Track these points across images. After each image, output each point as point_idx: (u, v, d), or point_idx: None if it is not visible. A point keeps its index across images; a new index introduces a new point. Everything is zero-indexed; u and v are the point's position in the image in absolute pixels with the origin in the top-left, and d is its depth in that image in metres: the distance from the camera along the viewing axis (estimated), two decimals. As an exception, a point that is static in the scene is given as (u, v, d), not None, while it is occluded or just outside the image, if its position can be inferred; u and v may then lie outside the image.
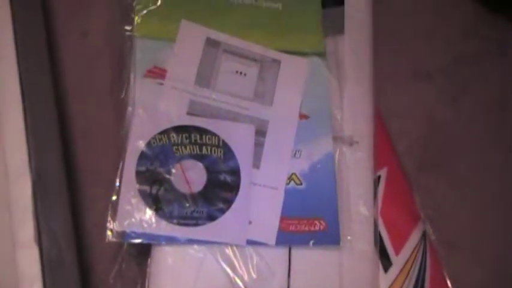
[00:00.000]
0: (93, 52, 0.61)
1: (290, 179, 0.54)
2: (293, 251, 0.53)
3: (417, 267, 0.56)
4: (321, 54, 0.58)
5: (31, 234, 0.47)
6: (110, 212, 0.51)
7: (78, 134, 0.59)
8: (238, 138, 0.54)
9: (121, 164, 0.52)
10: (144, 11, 0.56)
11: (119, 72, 0.57)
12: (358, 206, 0.54)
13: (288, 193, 0.53)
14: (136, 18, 0.56)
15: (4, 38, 0.51)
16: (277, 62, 0.57)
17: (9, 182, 0.48)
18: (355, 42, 0.58)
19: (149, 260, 0.52)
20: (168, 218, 0.52)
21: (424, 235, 0.57)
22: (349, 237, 0.53)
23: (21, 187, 0.48)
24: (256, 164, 0.54)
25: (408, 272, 0.55)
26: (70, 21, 0.62)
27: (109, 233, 0.51)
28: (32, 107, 0.50)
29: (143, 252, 0.52)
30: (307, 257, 0.53)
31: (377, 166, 0.57)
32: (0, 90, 0.50)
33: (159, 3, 0.57)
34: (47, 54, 0.52)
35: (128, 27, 0.56)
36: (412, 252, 0.56)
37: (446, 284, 0.57)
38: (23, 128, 0.49)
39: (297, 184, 0.54)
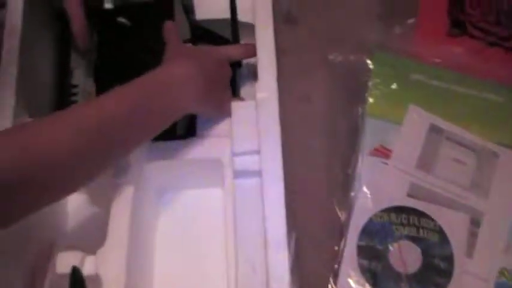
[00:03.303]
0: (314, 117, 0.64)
1: (501, 273, 0.56)
2: None
3: None
4: (538, 152, 0.60)
5: None
6: (331, 279, 0.55)
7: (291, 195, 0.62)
8: (454, 225, 0.57)
9: (344, 236, 0.56)
10: (378, 92, 0.60)
11: (338, 143, 0.60)
12: None
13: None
14: (370, 98, 0.60)
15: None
16: (495, 155, 0.59)
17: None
18: None
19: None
20: (384, 294, 0.55)
21: None
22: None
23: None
24: (469, 253, 0.56)
25: None
26: (292, 84, 0.64)
27: (330, 298, 0.55)
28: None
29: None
30: None
31: None
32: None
33: (393, 86, 0.60)
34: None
35: (360, 106, 0.60)
36: None
37: None
38: None
39: (507, 280, 0.56)
